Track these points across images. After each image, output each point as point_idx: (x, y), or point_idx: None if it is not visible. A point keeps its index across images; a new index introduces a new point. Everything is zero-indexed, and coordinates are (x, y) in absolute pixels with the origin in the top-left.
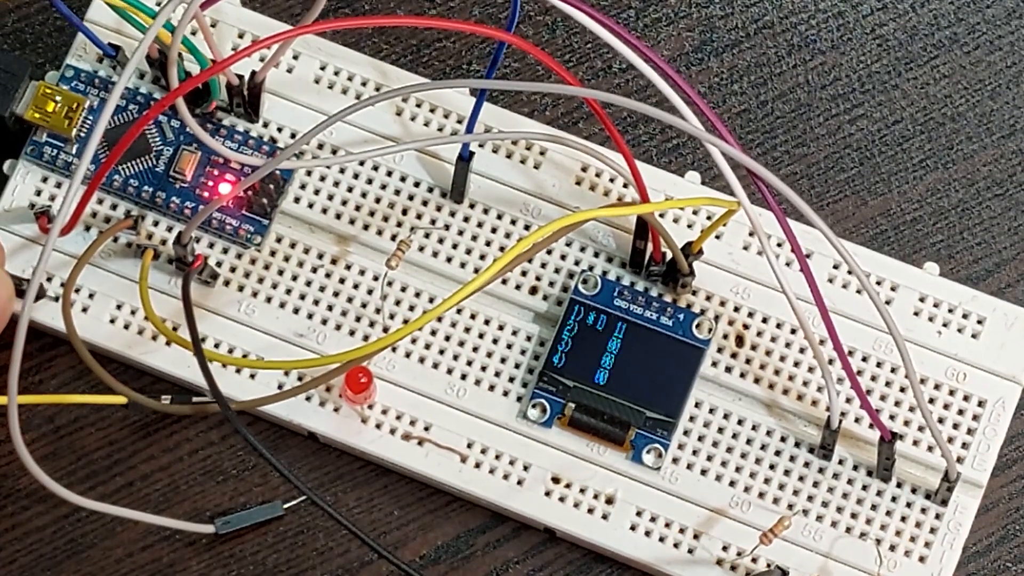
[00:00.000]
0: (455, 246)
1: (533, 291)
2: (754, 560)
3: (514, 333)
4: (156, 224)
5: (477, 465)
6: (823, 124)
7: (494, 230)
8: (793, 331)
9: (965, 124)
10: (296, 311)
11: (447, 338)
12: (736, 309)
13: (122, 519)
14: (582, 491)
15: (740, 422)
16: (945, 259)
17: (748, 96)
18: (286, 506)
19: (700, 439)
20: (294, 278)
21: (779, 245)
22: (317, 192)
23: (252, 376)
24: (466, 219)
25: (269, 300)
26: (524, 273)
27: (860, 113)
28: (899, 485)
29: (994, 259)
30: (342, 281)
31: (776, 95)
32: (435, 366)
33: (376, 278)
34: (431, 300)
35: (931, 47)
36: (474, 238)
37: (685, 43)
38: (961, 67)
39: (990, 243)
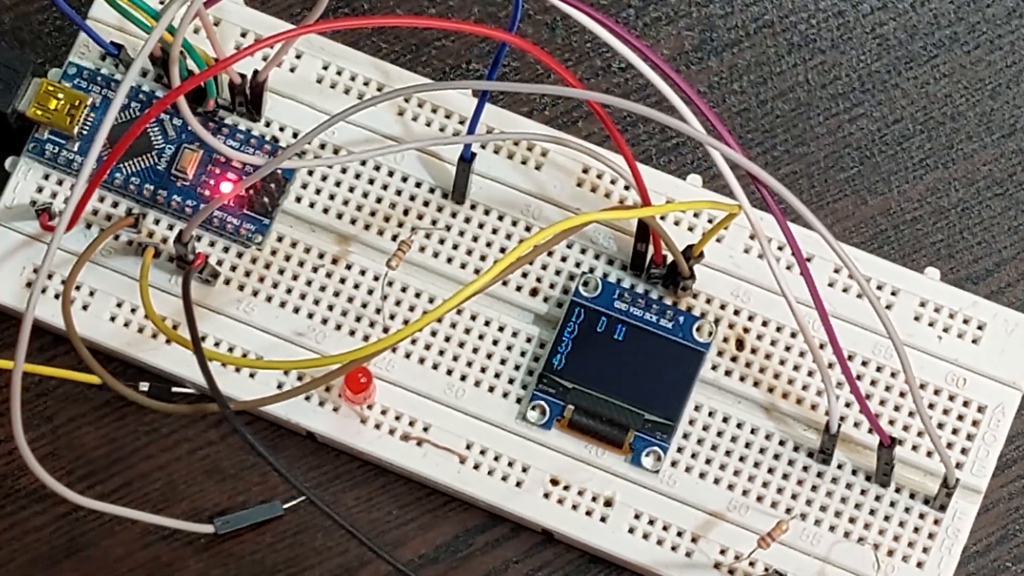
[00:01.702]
0: (456, 247)
1: (533, 293)
2: (752, 564)
3: (514, 335)
4: (157, 222)
5: (476, 466)
6: (823, 123)
7: (495, 231)
8: (793, 335)
9: (965, 123)
10: (296, 311)
11: (447, 339)
12: (736, 312)
13: (121, 518)
14: (580, 493)
15: (739, 425)
16: (945, 259)
17: (748, 95)
18: (286, 506)
19: (699, 442)
20: (295, 278)
21: (780, 249)
22: (318, 192)
23: (252, 375)
24: (467, 220)
25: (269, 299)
26: (524, 275)
27: (860, 112)
28: (898, 490)
29: (994, 259)
30: (343, 281)
31: (776, 94)
32: (435, 367)
33: (377, 278)
34: (431, 301)
35: (931, 46)
36: (475, 239)
37: (685, 42)
38: (961, 66)
39: (990, 243)
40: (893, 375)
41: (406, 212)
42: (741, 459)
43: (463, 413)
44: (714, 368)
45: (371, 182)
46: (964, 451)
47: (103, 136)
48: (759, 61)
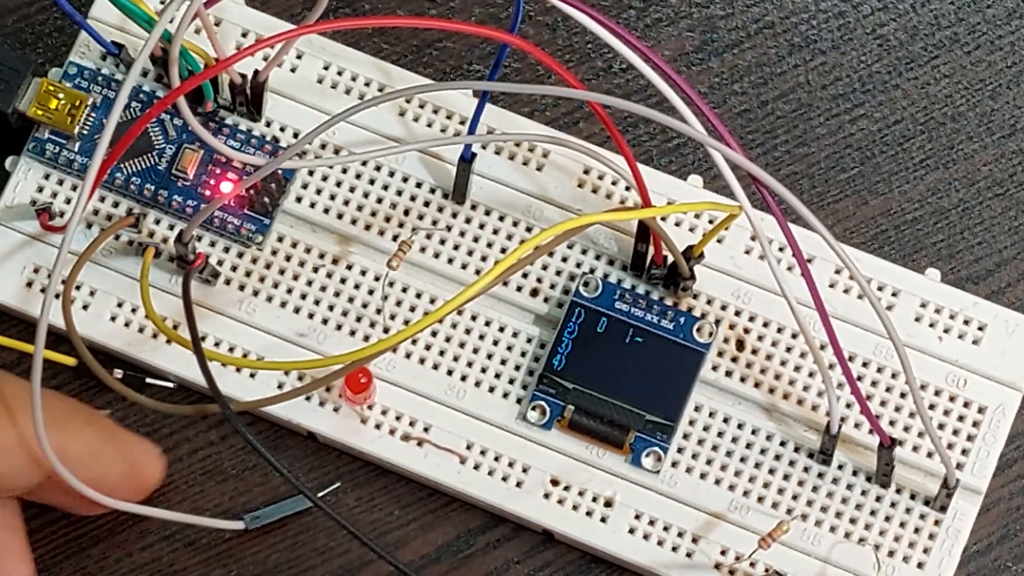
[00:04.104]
0: (456, 247)
1: (534, 293)
2: (752, 564)
3: (514, 335)
4: (158, 222)
5: (476, 467)
6: (824, 124)
7: (495, 232)
8: (794, 336)
9: (966, 124)
10: (297, 311)
11: (447, 339)
12: (737, 313)
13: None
14: (581, 494)
15: (740, 426)
16: (945, 259)
17: (749, 96)
18: (320, 494)
19: (700, 443)
20: (295, 278)
21: (781, 249)
22: (319, 192)
23: (252, 376)
24: (467, 221)
25: (270, 300)
26: (525, 275)
27: (861, 113)
28: (898, 491)
29: (994, 259)
30: (343, 281)
31: (777, 95)
32: (435, 367)
33: (377, 278)
34: (432, 301)
35: (932, 47)
36: (475, 240)
37: (686, 43)
38: (962, 67)
39: (990, 243)
40: (894, 376)
41: (407, 212)
42: (742, 460)
43: (463, 413)
44: (714, 369)
45: (372, 182)
46: (964, 452)
47: (106, 142)
48: (760, 62)
